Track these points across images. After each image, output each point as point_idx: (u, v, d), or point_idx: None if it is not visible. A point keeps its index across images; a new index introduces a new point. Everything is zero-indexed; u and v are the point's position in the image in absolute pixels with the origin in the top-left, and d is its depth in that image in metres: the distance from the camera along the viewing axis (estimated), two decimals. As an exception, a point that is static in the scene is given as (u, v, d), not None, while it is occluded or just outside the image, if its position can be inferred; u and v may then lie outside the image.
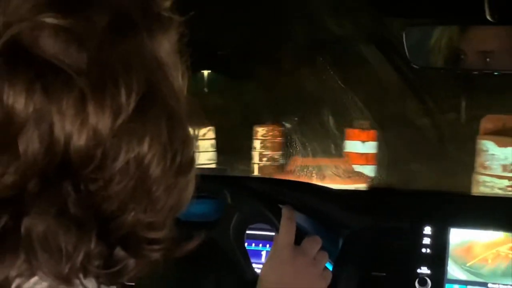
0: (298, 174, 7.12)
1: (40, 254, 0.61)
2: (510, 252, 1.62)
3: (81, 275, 0.64)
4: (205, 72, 9.15)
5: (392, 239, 1.71)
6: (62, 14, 0.62)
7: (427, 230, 1.67)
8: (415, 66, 1.63)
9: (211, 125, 8.21)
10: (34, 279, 0.62)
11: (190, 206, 1.64)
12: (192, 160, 0.73)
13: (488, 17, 1.54)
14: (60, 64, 0.61)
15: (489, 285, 1.62)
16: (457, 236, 1.66)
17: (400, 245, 1.69)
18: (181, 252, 0.76)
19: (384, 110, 7.88)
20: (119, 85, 0.63)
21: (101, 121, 0.62)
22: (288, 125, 8.13)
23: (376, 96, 7.91)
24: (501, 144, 6.70)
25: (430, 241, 1.66)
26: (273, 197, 1.67)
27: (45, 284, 0.63)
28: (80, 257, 0.62)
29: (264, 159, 8.05)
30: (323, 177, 6.84)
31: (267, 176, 6.54)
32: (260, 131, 8.10)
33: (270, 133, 8.06)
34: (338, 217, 1.79)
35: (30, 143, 0.60)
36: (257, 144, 8.10)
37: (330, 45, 7.97)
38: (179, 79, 0.74)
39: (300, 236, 1.44)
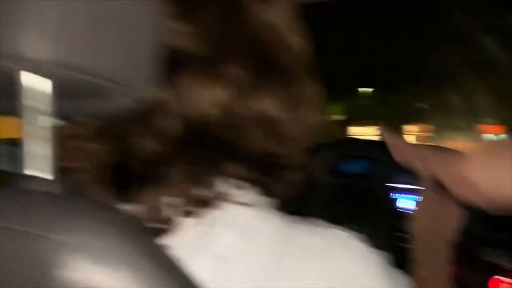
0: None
1: (180, 185, 0.56)
2: None
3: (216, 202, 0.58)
4: (370, 89, 9.04)
5: None
6: (178, 18, 0.57)
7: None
8: None
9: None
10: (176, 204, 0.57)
11: (350, 162, 1.66)
12: (303, 100, 0.63)
13: None
14: (184, 55, 0.56)
15: None
16: None
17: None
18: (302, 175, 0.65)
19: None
20: (230, 65, 0.57)
21: (215, 92, 0.57)
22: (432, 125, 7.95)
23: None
24: None
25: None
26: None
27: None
28: (211, 188, 0.57)
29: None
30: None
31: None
32: (412, 128, 8.01)
33: (420, 131, 7.94)
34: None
35: (165, 120, 0.56)
36: (410, 139, 7.97)
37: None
38: (296, 39, 0.63)
39: None
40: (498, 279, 1.49)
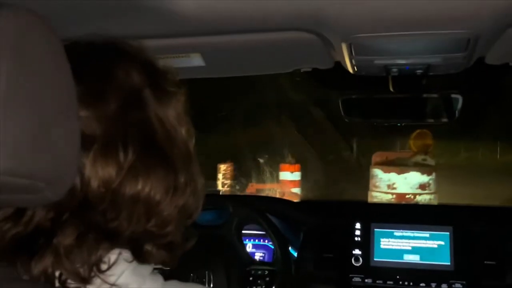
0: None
1: (64, 259, 0.60)
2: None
3: (92, 274, 0.62)
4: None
5: (335, 232, 1.81)
6: (85, 106, 0.63)
7: (357, 225, 1.79)
8: (347, 120, 1.76)
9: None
10: (58, 272, 0.61)
11: (205, 214, 1.75)
12: (184, 186, 0.70)
13: (391, 89, 1.67)
14: (82, 136, 0.60)
15: (405, 256, 1.75)
16: (377, 228, 1.79)
17: (341, 235, 1.80)
18: (184, 249, 0.74)
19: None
20: (118, 148, 0.63)
21: (106, 173, 0.63)
22: (240, 163, 8.24)
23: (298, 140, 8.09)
24: (385, 171, 6.97)
25: (360, 232, 1.78)
26: (259, 207, 1.76)
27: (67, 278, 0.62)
28: (90, 263, 0.62)
29: (225, 186, 8.11)
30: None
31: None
32: (222, 167, 8.16)
33: (229, 169, 8.13)
34: (299, 219, 1.88)
35: None
36: (220, 176, 8.16)
37: (268, 107, 8.08)
38: (182, 133, 0.72)
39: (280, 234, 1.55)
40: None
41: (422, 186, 6.77)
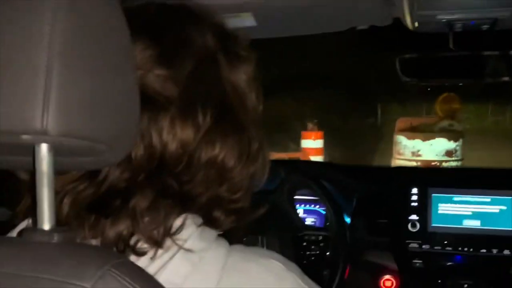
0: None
1: (141, 222, 0.60)
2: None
3: (166, 239, 0.61)
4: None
5: (390, 197, 1.75)
6: (163, 67, 0.62)
7: (414, 190, 1.72)
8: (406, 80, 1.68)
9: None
10: (134, 237, 0.60)
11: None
12: (256, 153, 0.70)
13: (451, 47, 1.59)
14: (160, 97, 0.62)
15: (464, 221, 1.69)
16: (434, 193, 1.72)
17: (396, 201, 1.74)
18: (253, 216, 0.72)
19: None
20: (197, 110, 0.63)
21: (185, 134, 0.62)
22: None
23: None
24: (409, 137, 6.85)
25: (417, 197, 1.72)
26: (311, 172, 1.71)
27: (142, 242, 0.61)
28: (165, 226, 0.61)
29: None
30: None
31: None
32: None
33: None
34: (352, 184, 1.82)
35: (138, 151, 0.60)
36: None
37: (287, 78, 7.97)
38: (252, 99, 0.71)
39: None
40: (388, 278, 1.65)
41: (449, 153, 6.65)
